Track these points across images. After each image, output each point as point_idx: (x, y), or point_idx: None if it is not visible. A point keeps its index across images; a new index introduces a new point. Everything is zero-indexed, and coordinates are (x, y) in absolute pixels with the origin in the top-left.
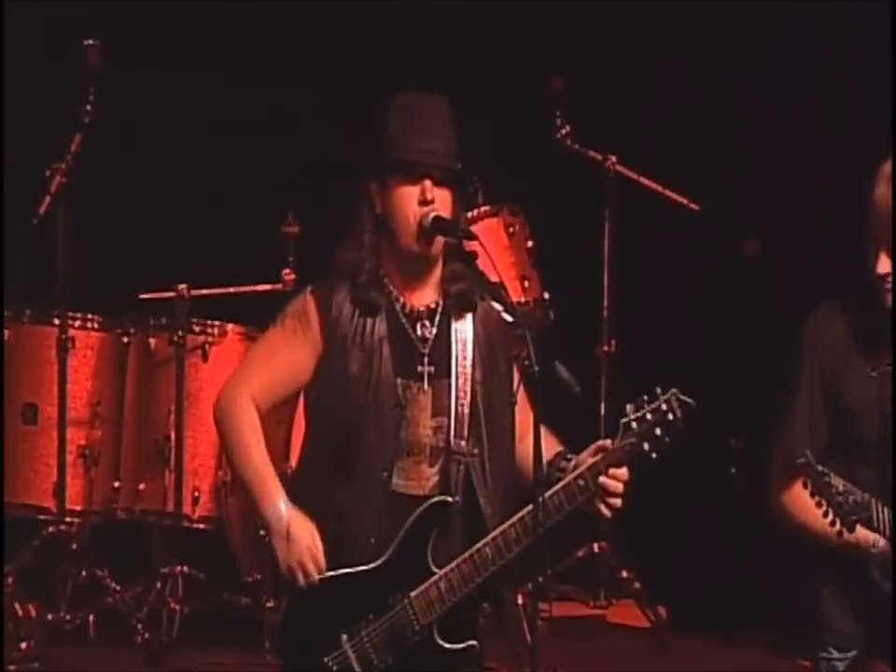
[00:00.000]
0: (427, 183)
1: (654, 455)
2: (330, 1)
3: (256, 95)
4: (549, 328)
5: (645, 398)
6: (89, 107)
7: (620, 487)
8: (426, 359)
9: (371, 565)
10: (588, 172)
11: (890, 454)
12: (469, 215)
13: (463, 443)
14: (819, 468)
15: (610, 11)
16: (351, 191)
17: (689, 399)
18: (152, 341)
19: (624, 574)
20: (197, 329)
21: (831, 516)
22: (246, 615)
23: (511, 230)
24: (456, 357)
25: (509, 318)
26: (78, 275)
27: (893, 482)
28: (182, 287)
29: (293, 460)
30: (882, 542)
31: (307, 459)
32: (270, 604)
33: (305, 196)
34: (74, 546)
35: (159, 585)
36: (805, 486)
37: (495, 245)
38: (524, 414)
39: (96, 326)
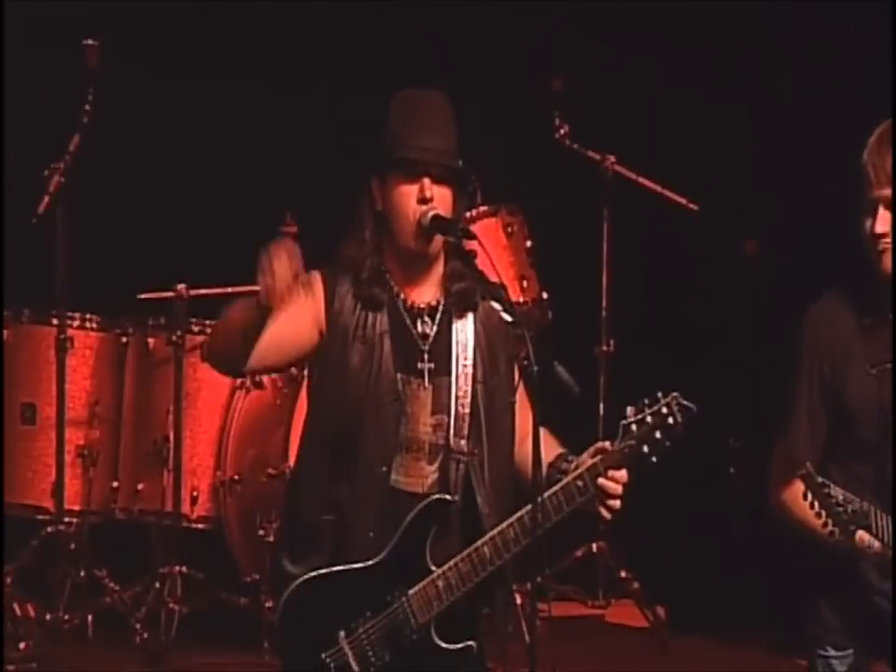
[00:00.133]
0: (426, 181)
1: (654, 459)
2: (330, 1)
3: (254, 95)
4: (547, 327)
5: (646, 401)
6: (88, 107)
7: (619, 489)
8: (426, 356)
9: (370, 562)
10: (587, 172)
11: (890, 452)
12: (468, 214)
13: (463, 442)
14: (819, 479)
15: (609, 11)
16: (350, 190)
17: (689, 404)
18: (151, 341)
19: (623, 574)
20: (196, 328)
21: (830, 526)
22: (245, 615)
23: (510, 229)
24: (457, 356)
25: (508, 318)
26: (77, 275)
27: (894, 479)
28: (181, 286)
29: (292, 460)
30: (877, 544)
31: (307, 451)
32: (268, 604)
33: (304, 196)
34: (72, 546)
35: (157, 585)
36: (805, 498)
37: (493, 245)
38: (524, 416)
39: (95, 326)
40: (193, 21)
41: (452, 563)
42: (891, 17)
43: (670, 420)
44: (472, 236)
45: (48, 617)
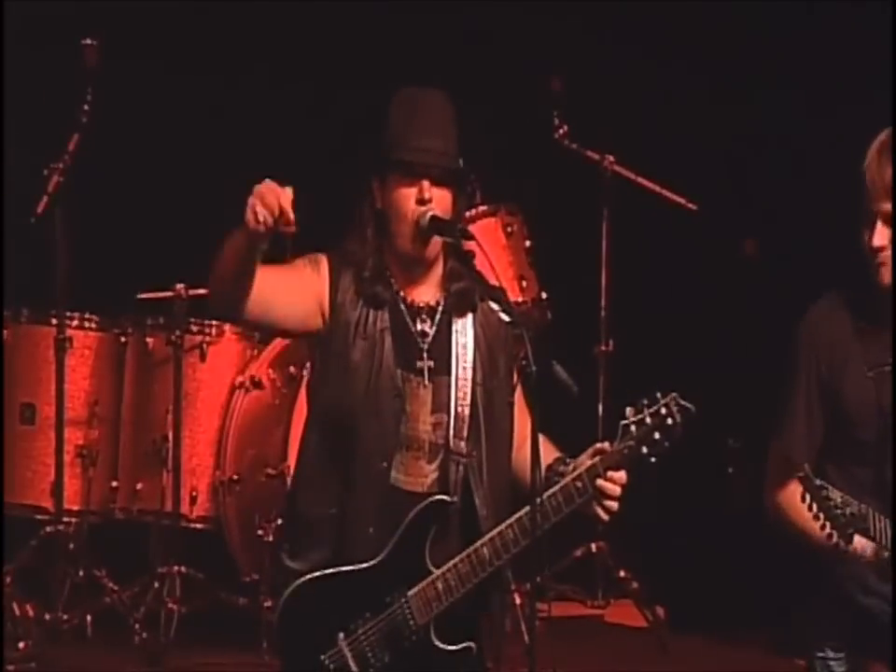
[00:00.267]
0: (425, 183)
1: (653, 460)
2: (328, 0)
3: (253, 94)
4: (547, 327)
5: (645, 401)
6: (87, 107)
7: (617, 490)
8: (425, 354)
9: (369, 563)
10: (586, 171)
11: (888, 454)
12: (467, 214)
13: (462, 444)
14: (817, 481)
15: (608, 11)
16: (348, 191)
17: (688, 405)
18: (150, 340)
19: (622, 574)
20: (195, 328)
21: (828, 529)
22: (244, 615)
23: (509, 229)
24: (457, 357)
25: (506, 318)
26: (76, 275)
27: (893, 481)
28: (180, 286)
29: (291, 460)
30: (870, 552)
31: (309, 446)
32: (267, 604)
33: (301, 196)
34: (71, 546)
35: (156, 585)
36: (804, 500)
37: (492, 245)
38: (522, 421)
39: (94, 325)
40: (192, 21)
41: (451, 564)
42: (891, 16)
43: (669, 421)
44: (470, 237)
45: (47, 617)
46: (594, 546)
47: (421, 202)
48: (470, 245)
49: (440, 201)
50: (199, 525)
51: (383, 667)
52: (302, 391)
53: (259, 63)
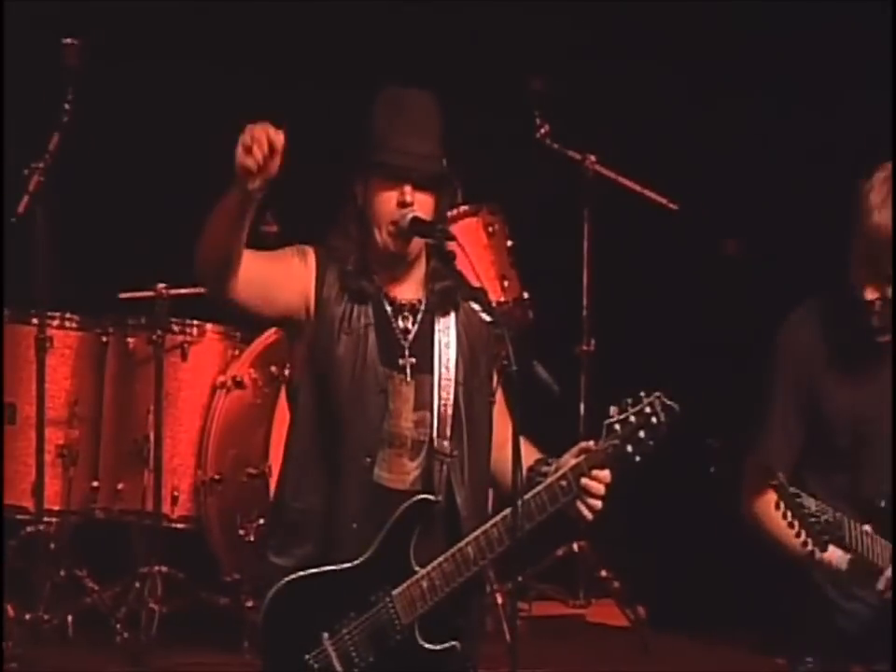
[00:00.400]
0: (407, 187)
1: (637, 458)
2: (312, 1)
3: (236, 93)
4: (528, 327)
5: (629, 400)
6: (68, 106)
7: (601, 489)
8: (406, 351)
9: (354, 562)
10: (567, 171)
11: (864, 462)
12: (449, 214)
13: (446, 443)
14: (791, 489)
15: (590, 11)
16: (330, 190)
17: (673, 404)
18: (131, 340)
19: (604, 573)
20: (176, 328)
21: (803, 537)
22: (226, 615)
23: (491, 229)
24: (439, 356)
25: (487, 318)
26: (57, 275)
27: (893, 487)
28: (161, 286)
29: (272, 460)
30: (845, 564)
31: (295, 442)
32: (249, 603)
33: (284, 196)
34: (52, 546)
35: (138, 585)
36: (778, 508)
37: (474, 245)
38: (502, 422)
39: (75, 325)
40: (174, 20)
41: (436, 563)
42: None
43: (653, 420)
44: (451, 237)
45: (27, 617)
46: (575, 545)
47: (402, 204)
48: (452, 245)
49: (421, 204)
50: (180, 525)
51: (367, 667)
52: (283, 391)
53: (242, 61)
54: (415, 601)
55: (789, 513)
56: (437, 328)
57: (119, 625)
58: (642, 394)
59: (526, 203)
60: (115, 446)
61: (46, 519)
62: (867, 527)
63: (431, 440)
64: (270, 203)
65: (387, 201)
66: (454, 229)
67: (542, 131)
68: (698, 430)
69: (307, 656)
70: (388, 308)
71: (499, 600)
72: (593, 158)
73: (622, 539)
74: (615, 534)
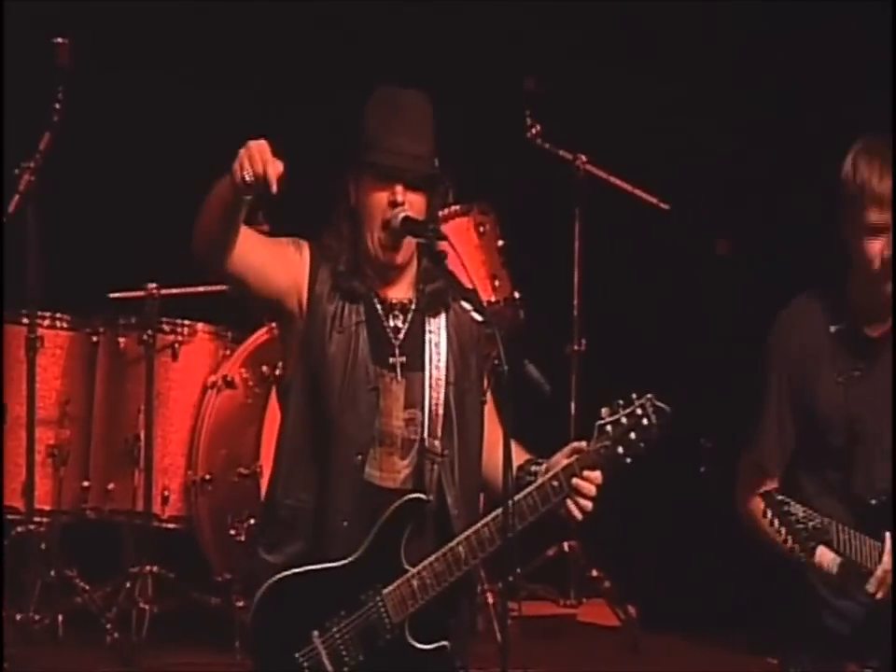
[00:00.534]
0: (399, 187)
1: (628, 460)
2: (303, 1)
3: (226, 93)
4: (519, 327)
5: (620, 401)
6: (58, 105)
7: (593, 490)
8: (397, 350)
9: (344, 560)
10: (558, 171)
11: (856, 459)
12: (440, 214)
13: (437, 443)
14: (778, 497)
15: (581, 11)
16: (321, 190)
17: (664, 406)
18: (122, 340)
19: (595, 573)
20: (167, 328)
21: (790, 543)
22: (217, 615)
23: (482, 229)
24: (430, 356)
25: (478, 318)
26: (48, 274)
27: (894, 486)
28: (152, 286)
29: (263, 460)
30: (837, 568)
31: (287, 439)
32: (240, 603)
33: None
34: (43, 546)
35: (128, 585)
36: (765, 516)
37: (465, 245)
38: (492, 425)
39: (65, 325)
40: (165, 20)
41: (426, 562)
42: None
43: (645, 421)
44: (443, 237)
45: (18, 617)
46: (566, 545)
47: (393, 204)
48: (443, 244)
49: (413, 204)
50: (171, 525)
51: (357, 666)
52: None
53: (233, 61)
54: (406, 600)
55: (775, 521)
56: (427, 328)
57: (109, 625)
58: (633, 396)
59: (517, 202)
60: (105, 446)
61: (36, 519)
62: (855, 531)
63: (422, 439)
64: (261, 204)
65: (378, 200)
66: (444, 228)
67: (533, 130)
68: (690, 430)
69: (297, 654)
70: (379, 307)
71: (490, 600)
72: (584, 157)
73: (613, 538)
74: (606, 534)
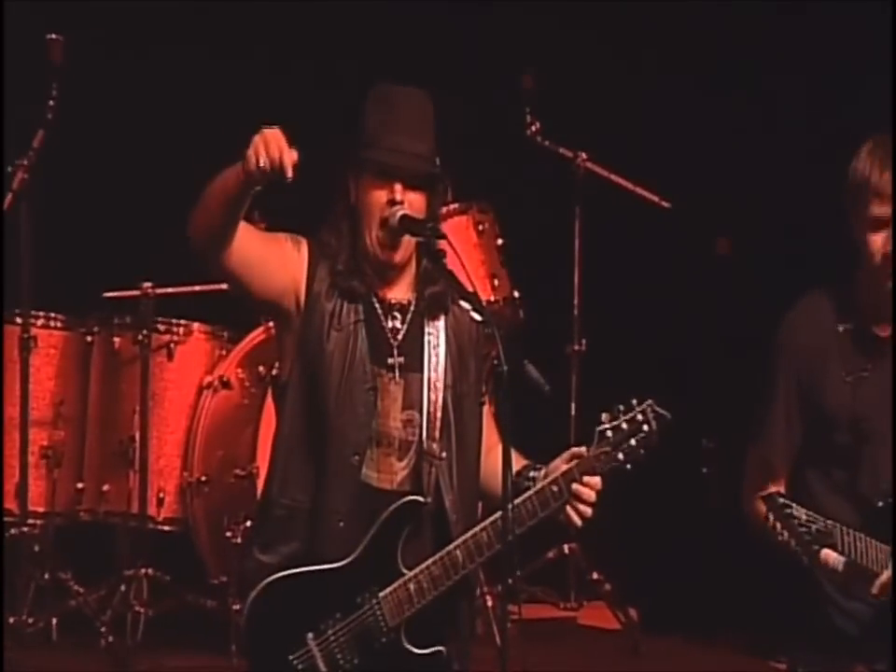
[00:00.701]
0: (398, 186)
1: (628, 466)
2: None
3: (221, 91)
4: (519, 326)
5: (620, 407)
6: (52, 103)
7: (592, 495)
8: (395, 350)
9: (340, 562)
10: (558, 169)
11: (863, 458)
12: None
13: (435, 445)
14: (780, 500)
15: (580, 8)
16: (319, 189)
17: (664, 412)
18: (116, 340)
19: (595, 576)
20: (162, 328)
21: (793, 546)
22: (212, 617)
23: (481, 227)
24: (428, 357)
25: (477, 317)
26: (41, 273)
27: (894, 485)
28: (147, 285)
29: (259, 461)
30: (842, 566)
31: (284, 439)
32: (236, 606)
33: (271, 194)
34: (36, 548)
35: (123, 588)
36: (767, 520)
37: (464, 243)
38: (490, 429)
39: (59, 325)
40: (158, 16)
41: (424, 566)
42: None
43: (645, 427)
44: (442, 235)
45: (11, 620)
46: (566, 548)
47: (392, 202)
48: (442, 243)
49: (412, 203)
50: (166, 527)
51: (352, 669)
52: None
53: (229, 59)
54: (402, 604)
55: (778, 525)
56: (426, 329)
57: (104, 628)
58: (634, 401)
59: (517, 200)
60: (100, 447)
61: (30, 521)
62: (861, 533)
63: (420, 441)
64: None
65: (377, 199)
66: (443, 227)
67: (533, 128)
68: (691, 431)
69: (291, 657)
70: (378, 307)
71: (490, 603)
72: (584, 155)
73: (613, 540)
74: (606, 536)
